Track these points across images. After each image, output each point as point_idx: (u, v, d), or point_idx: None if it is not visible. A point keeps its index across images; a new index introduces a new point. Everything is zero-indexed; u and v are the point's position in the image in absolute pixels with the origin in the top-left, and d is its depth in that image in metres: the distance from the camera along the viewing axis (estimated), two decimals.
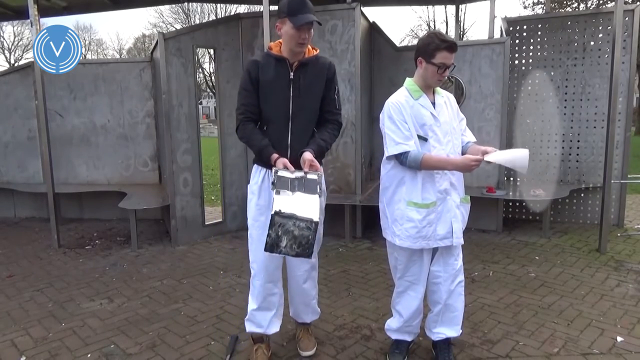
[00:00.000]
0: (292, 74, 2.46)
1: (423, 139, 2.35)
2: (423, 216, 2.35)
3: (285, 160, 2.36)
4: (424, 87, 2.40)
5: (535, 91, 5.41)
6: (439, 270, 2.50)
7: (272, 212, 2.14)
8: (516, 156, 2.28)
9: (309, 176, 2.30)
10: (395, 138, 2.33)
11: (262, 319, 2.62)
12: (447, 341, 2.62)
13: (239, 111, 2.51)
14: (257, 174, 2.55)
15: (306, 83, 2.48)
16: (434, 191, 2.37)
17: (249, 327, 2.66)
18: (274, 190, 2.23)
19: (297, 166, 2.39)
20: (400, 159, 2.35)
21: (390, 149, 2.36)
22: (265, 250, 2.18)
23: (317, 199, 2.26)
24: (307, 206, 2.19)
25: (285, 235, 2.14)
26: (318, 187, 2.29)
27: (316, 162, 2.36)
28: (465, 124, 2.59)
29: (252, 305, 2.62)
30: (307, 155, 2.37)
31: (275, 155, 2.40)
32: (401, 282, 2.57)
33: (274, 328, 2.66)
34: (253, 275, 2.60)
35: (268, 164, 2.45)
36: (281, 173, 2.28)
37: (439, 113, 2.40)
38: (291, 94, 2.47)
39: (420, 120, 2.35)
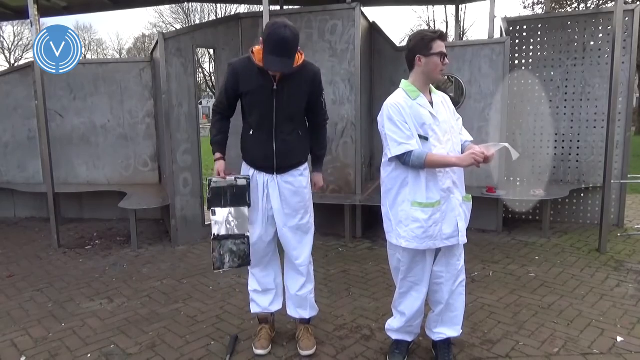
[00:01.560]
0: (275, 84, 2.46)
1: (424, 138, 2.34)
2: (429, 215, 2.34)
3: (220, 167, 2.56)
4: (421, 87, 2.40)
5: (535, 91, 5.41)
6: (441, 271, 2.50)
7: (212, 238, 2.50)
8: (501, 147, 2.36)
9: (239, 182, 2.56)
10: (397, 139, 2.32)
11: (263, 300, 2.81)
12: (448, 341, 2.62)
13: (215, 102, 2.72)
14: (246, 172, 2.67)
15: (290, 93, 2.49)
16: (438, 190, 2.36)
17: (253, 309, 2.85)
18: (210, 210, 2.53)
19: (282, 170, 2.59)
20: (403, 159, 2.33)
21: (393, 150, 2.34)
22: (214, 269, 2.55)
23: (246, 210, 2.56)
24: (240, 221, 2.54)
25: (227, 254, 2.53)
26: (247, 194, 2.56)
27: (322, 184, 2.84)
28: (462, 123, 2.59)
29: (252, 287, 2.83)
30: (320, 182, 2.82)
31: (217, 155, 2.60)
32: (403, 284, 2.55)
33: (276, 306, 2.84)
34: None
35: (254, 164, 2.63)
36: (214, 184, 2.54)
37: (437, 112, 2.40)
38: (274, 105, 2.49)
39: (420, 119, 2.34)
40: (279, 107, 2.49)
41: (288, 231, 2.65)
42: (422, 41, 2.31)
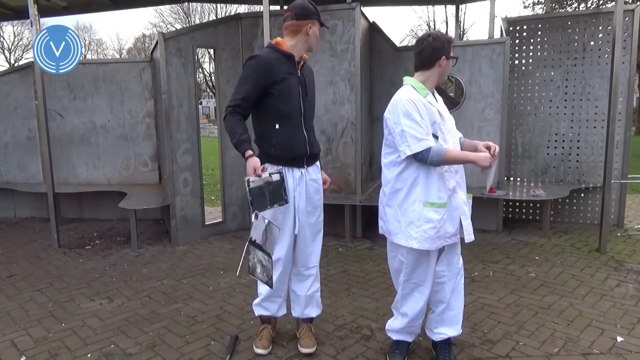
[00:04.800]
0: (299, 72, 2.54)
1: (435, 136, 2.31)
2: (441, 216, 2.32)
3: (256, 164, 2.33)
4: (430, 87, 2.40)
5: (535, 91, 5.42)
6: (443, 270, 2.50)
7: (249, 240, 2.40)
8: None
9: (274, 178, 2.41)
10: (417, 135, 2.25)
11: (272, 306, 2.78)
12: (448, 341, 2.62)
13: (234, 102, 2.45)
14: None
15: (308, 82, 2.60)
16: (445, 190, 2.35)
17: (258, 311, 2.82)
18: (253, 213, 2.36)
19: (311, 159, 2.60)
20: (420, 156, 2.26)
21: (413, 147, 2.25)
22: (250, 273, 2.47)
23: (277, 232, 2.44)
24: (271, 239, 2.43)
25: (258, 264, 2.43)
26: (283, 189, 2.43)
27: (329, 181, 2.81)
28: (454, 123, 2.61)
29: (261, 293, 2.76)
30: (328, 180, 2.78)
31: (249, 152, 2.37)
32: (406, 285, 2.52)
33: (282, 312, 2.83)
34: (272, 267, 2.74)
35: (284, 158, 2.53)
36: (252, 184, 2.34)
37: (442, 111, 2.42)
38: (301, 92, 2.55)
39: (432, 117, 2.32)
40: (304, 95, 2.56)
41: (306, 228, 2.65)
42: (448, 43, 2.37)
